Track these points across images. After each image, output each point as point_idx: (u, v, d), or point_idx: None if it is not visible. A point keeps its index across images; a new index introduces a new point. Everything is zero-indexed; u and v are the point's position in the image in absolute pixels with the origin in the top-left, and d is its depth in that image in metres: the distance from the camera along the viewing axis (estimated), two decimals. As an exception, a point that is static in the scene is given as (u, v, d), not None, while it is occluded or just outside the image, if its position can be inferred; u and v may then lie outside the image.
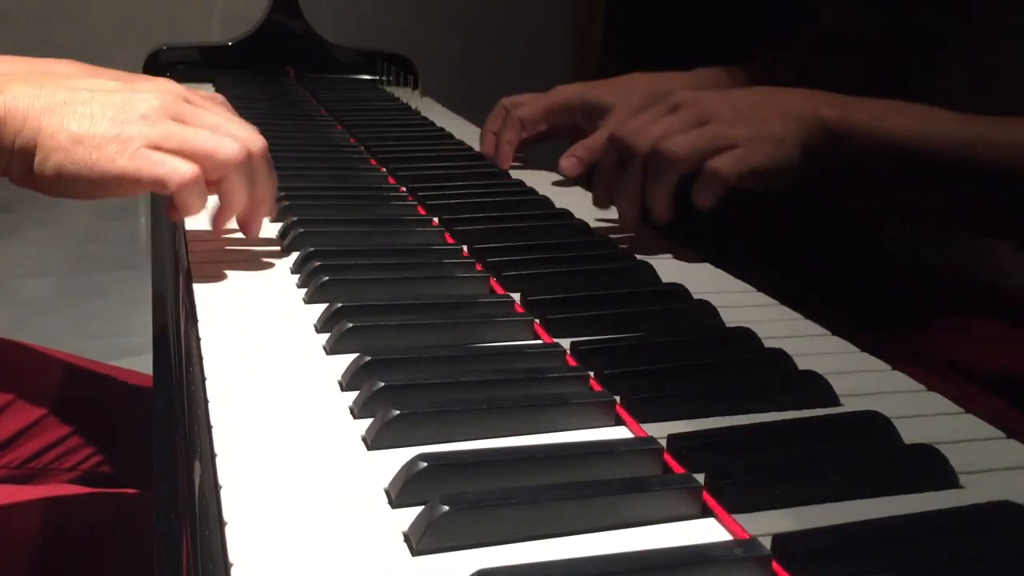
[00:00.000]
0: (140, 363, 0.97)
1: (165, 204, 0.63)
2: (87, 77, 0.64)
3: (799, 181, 0.74)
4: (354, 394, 0.48)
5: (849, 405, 0.50)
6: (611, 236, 0.77)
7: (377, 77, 1.55)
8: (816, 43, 1.06)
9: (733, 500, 0.40)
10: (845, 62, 1.02)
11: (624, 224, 0.76)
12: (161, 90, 0.64)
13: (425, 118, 1.25)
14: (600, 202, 0.79)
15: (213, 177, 0.63)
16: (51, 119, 0.58)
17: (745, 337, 0.57)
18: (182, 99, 0.64)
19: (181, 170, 0.59)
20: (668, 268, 0.69)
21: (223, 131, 0.63)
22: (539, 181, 0.96)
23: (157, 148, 0.60)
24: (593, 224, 0.79)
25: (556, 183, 0.97)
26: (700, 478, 0.41)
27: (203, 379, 0.50)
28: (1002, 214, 0.78)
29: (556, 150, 1.01)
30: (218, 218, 0.67)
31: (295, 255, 0.67)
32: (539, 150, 1.07)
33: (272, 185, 0.68)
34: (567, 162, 0.92)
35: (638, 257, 0.71)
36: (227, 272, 0.65)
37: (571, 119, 1.00)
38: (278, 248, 0.71)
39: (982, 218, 0.80)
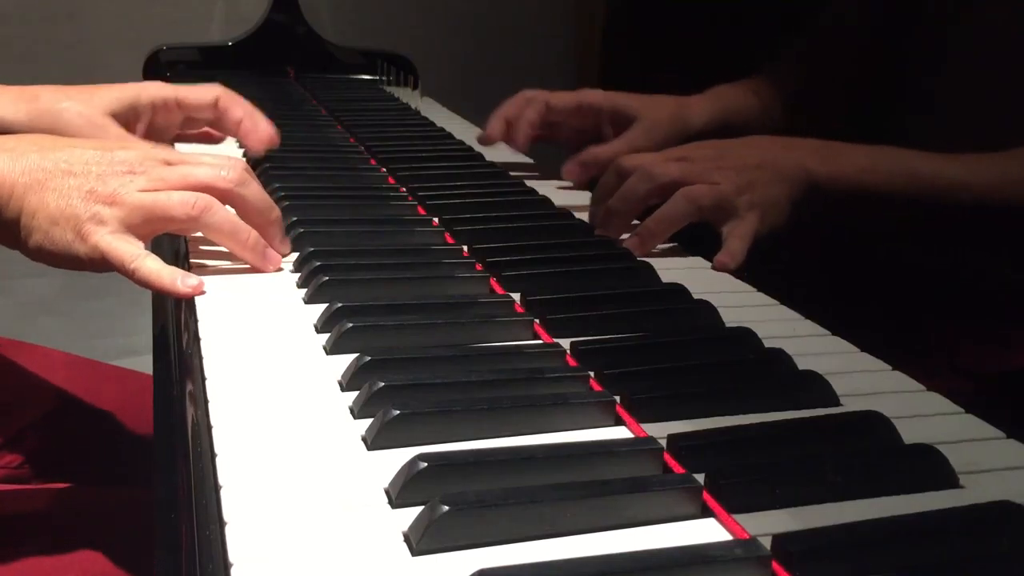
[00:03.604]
0: (140, 363, 0.97)
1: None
2: (67, 144, 0.64)
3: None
4: (354, 394, 0.48)
5: (849, 405, 0.50)
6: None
7: (377, 77, 1.54)
8: (816, 39, 1.06)
9: (733, 500, 0.40)
10: (846, 57, 1.02)
11: (609, 233, 0.76)
12: (135, 157, 0.64)
13: (425, 118, 1.25)
14: (609, 229, 0.77)
15: (187, 232, 0.66)
16: (32, 198, 0.60)
17: (745, 337, 0.57)
18: (156, 157, 0.65)
19: (129, 256, 0.60)
20: (668, 268, 0.70)
21: (190, 180, 0.63)
22: (539, 181, 0.96)
23: (126, 225, 0.61)
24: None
25: (552, 182, 0.97)
26: (700, 478, 0.41)
27: (203, 379, 0.50)
28: (992, 232, 0.79)
29: (556, 152, 1.01)
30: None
31: (295, 255, 0.67)
32: (539, 151, 1.06)
33: (260, 205, 0.66)
34: (573, 168, 0.92)
35: (638, 257, 0.71)
36: (227, 272, 0.65)
37: (589, 123, 0.99)
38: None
39: (971, 235, 0.81)
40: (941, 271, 0.87)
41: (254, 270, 0.66)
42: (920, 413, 0.49)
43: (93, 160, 0.62)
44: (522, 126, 0.97)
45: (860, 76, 1.01)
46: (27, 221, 0.60)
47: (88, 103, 0.82)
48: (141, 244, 0.61)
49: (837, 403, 0.50)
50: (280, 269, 0.66)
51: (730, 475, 0.41)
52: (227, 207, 0.65)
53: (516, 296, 0.62)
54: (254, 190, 0.66)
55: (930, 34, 0.91)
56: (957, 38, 0.88)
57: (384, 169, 0.95)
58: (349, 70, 1.56)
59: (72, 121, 0.80)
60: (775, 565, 0.36)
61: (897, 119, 0.92)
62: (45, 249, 0.60)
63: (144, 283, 0.60)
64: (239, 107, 0.88)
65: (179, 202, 0.61)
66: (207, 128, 0.98)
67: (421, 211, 0.80)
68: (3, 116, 0.79)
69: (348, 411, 0.47)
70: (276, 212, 0.68)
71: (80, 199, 0.60)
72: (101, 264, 0.60)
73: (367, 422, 0.45)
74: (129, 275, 0.60)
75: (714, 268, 0.72)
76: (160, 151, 0.66)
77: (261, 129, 0.89)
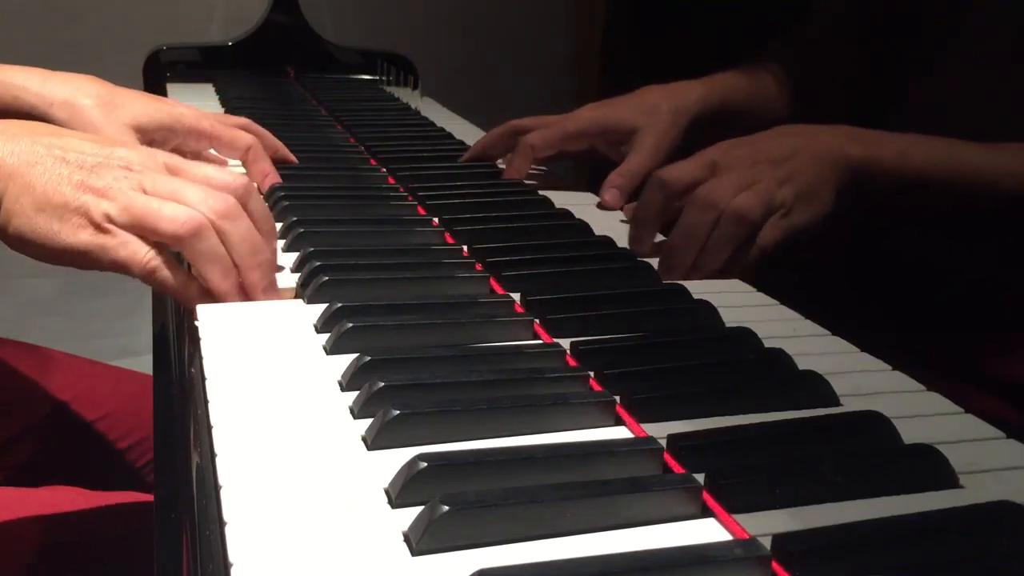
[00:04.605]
0: (140, 363, 0.97)
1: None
2: (67, 133, 0.61)
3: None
4: (354, 394, 0.48)
5: (849, 405, 0.50)
6: (611, 236, 0.77)
7: (377, 77, 1.55)
8: (815, 38, 1.05)
9: (733, 500, 0.40)
10: (844, 57, 1.02)
11: (671, 274, 0.71)
12: (135, 157, 0.60)
13: (425, 118, 1.25)
14: (643, 247, 0.74)
15: (175, 248, 0.60)
16: (17, 180, 0.56)
17: (745, 337, 0.57)
18: (157, 160, 0.61)
19: (144, 254, 0.57)
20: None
21: (184, 196, 0.58)
22: (540, 183, 0.96)
23: (113, 222, 0.57)
24: (594, 225, 0.79)
25: (555, 185, 0.97)
26: (700, 478, 0.41)
27: (203, 379, 0.50)
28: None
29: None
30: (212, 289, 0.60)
31: (295, 255, 0.67)
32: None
33: (253, 244, 0.60)
34: (609, 195, 0.88)
35: (638, 257, 0.71)
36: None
37: (587, 145, 0.95)
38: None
39: (996, 227, 0.79)
40: (941, 271, 0.87)
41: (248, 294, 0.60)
42: (920, 413, 0.49)
43: (89, 151, 0.59)
44: (511, 174, 0.94)
45: (858, 75, 1.00)
46: (9, 204, 0.56)
47: (116, 110, 0.79)
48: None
49: (837, 403, 0.50)
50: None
51: (730, 475, 0.41)
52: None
53: (516, 296, 0.62)
54: (241, 227, 0.59)
55: (929, 30, 0.90)
56: (956, 33, 0.88)
57: (384, 169, 0.95)
58: (349, 70, 1.56)
59: (92, 121, 0.78)
60: (775, 565, 0.36)
61: (897, 119, 0.92)
62: (25, 237, 0.56)
63: (160, 287, 0.57)
64: (266, 162, 0.85)
65: (169, 217, 0.57)
66: None
67: (421, 211, 0.80)
68: (35, 90, 0.78)
69: (348, 411, 0.47)
70: (264, 255, 0.60)
71: (71, 187, 0.57)
72: (90, 263, 0.57)
73: (367, 422, 0.45)
74: (146, 274, 0.57)
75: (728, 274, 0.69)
76: (162, 155, 0.63)
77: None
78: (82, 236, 0.56)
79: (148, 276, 0.57)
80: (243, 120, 0.89)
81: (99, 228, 0.56)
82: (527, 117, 0.99)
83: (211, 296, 0.58)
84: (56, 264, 0.58)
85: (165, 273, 0.57)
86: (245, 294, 0.60)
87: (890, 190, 0.75)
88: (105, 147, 0.60)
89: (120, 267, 0.57)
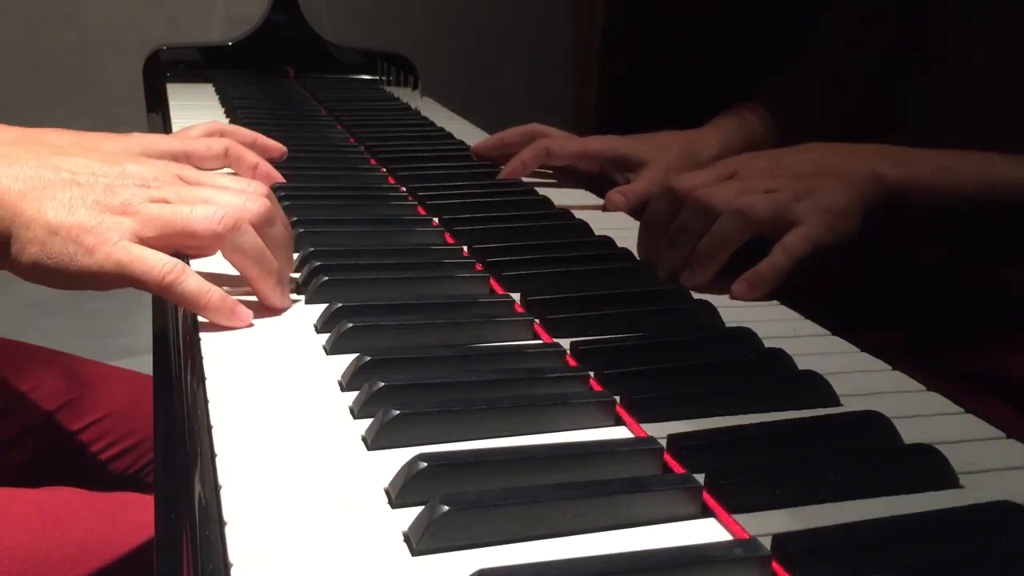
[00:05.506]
0: (140, 363, 0.97)
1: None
2: (72, 153, 0.59)
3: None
4: (354, 394, 0.48)
5: (849, 405, 0.50)
6: (611, 236, 0.77)
7: (377, 77, 1.55)
8: (817, 66, 1.05)
9: (733, 500, 0.40)
10: (849, 83, 1.02)
11: (663, 275, 0.70)
12: (149, 172, 0.59)
13: (425, 118, 1.25)
14: (647, 256, 0.73)
15: (205, 253, 0.59)
16: (28, 206, 0.54)
17: (745, 337, 0.57)
18: (171, 173, 0.60)
19: (162, 267, 0.54)
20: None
21: (212, 202, 0.57)
22: (540, 182, 0.96)
23: (139, 238, 0.55)
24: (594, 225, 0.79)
25: (555, 185, 0.97)
26: (700, 478, 0.41)
27: (203, 379, 0.50)
28: None
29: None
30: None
31: (295, 255, 0.67)
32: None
33: (282, 246, 0.60)
34: (616, 197, 0.90)
35: (638, 257, 0.71)
36: (227, 273, 0.65)
37: (597, 167, 0.98)
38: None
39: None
40: (941, 270, 0.86)
41: (267, 306, 0.60)
42: (920, 413, 0.49)
43: (100, 172, 0.57)
44: (515, 166, 0.95)
45: (869, 90, 1.00)
46: (20, 232, 0.54)
47: None
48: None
49: (837, 403, 0.50)
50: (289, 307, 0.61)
51: (730, 475, 0.41)
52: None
53: (516, 296, 0.62)
54: (278, 228, 0.60)
55: (941, 43, 0.90)
56: (967, 48, 0.87)
57: (384, 169, 0.95)
58: (349, 70, 1.56)
59: None
60: (775, 565, 0.36)
61: (910, 133, 0.92)
62: (42, 264, 0.54)
63: (182, 300, 0.55)
64: (250, 155, 0.82)
65: (202, 217, 0.55)
66: None
67: (421, 211, 0.80)
68: None
69: (348, 411, 0.47)
70: (292, 254, 0.63)
71: (85, 208, 0.54)
72: (111, 280, 0.55)
73: (367, 422, 0.45)
74: (163, 289, 0.54)
75: (731, 295, 0.67)
76: (174, 167, 0.61)
77: (274, 175, 0.84)
78: (97, 257, 0.54)
79: (166, 291, 0.55)
80: (207, 127, 0.87)
81: (114, 245, 0.54)
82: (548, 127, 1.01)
83: (230, 313, 0.56)
84: (76, 289, 0.56)
85: (185, 286, 0.55)
86: (283, 291, 0.59)
87: (926, 209, 0.73)
88: (115, 165, 0.58)
89: (137, 284, 0.55)
